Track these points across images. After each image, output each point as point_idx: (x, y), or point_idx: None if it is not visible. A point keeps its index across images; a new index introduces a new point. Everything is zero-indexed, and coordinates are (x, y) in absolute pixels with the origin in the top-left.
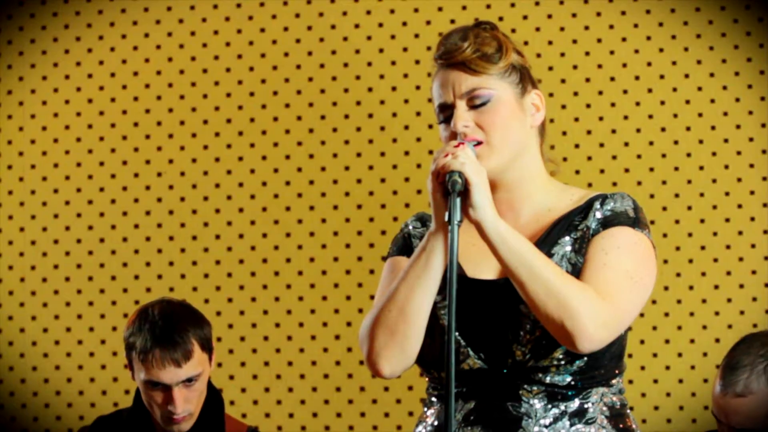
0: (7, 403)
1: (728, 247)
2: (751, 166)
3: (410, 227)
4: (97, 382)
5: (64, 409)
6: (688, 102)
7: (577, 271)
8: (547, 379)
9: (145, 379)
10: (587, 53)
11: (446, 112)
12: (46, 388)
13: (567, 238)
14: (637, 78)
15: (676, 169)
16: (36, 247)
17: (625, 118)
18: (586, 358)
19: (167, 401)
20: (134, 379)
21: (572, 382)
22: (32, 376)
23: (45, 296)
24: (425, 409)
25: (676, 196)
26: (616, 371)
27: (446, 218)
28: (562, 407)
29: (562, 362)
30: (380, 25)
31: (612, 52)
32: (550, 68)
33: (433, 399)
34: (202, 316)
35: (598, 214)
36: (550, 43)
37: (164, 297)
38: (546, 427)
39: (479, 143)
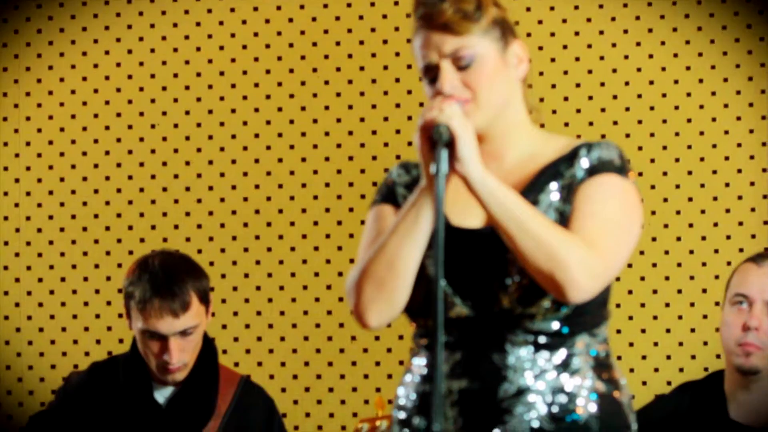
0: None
1: (715, 198)
2: (738, 119)
3: (394, 175)
4: None
5: None
6: (676, 56)
7: (564, 220)
8: (534, 326)
9: (143, 328)
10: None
11: (431, 72)
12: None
13: (553, 186)
14: (625, 32)
15: (665, 121)
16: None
17: (614, 71)
18: (572, 305)
19: (163, 351)
20: (131, 328)
21: (559, 329)
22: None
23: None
24: (412, 357)
25: (664, 148)
26: (602, 318)
27: (433, 171)
28: (548, 358)
29: (549, 309)
30: None
31: (601, 6)
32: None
33: (420, 348)
34: (200, 268)
35: (585, 162)
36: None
37: (164, 249)
38: (533, 378)
39: (466, 101)
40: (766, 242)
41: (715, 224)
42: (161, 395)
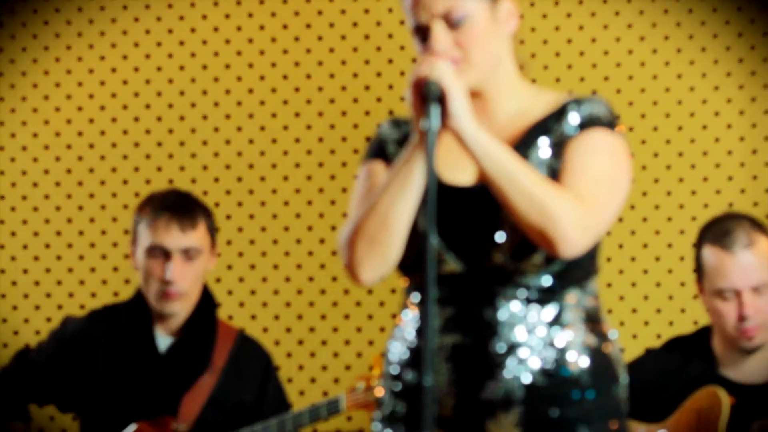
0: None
1: (705, 153)
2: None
3: (385, 132)
4: None
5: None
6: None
7: (555, 176)
8: (525, 281)
9: (149, 245)
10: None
11: (422, 32)
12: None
13: (543, 143)
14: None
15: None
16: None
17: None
18: (563, 260)
19: (166, 270)
20: (136, 264)
21: (550, 284)
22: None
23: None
24: (404, 313)
25: (655, 103)
26: (592, 272)
27: (425, 127)
28: (539, 313)
29: (541, 264)
30: None
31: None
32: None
33: (412, 303)
34: (209, 207)
35: (574, 118)
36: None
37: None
38: (524, 333)
39: (458, 61)
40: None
41: (705, 179)
42: (161, 344)
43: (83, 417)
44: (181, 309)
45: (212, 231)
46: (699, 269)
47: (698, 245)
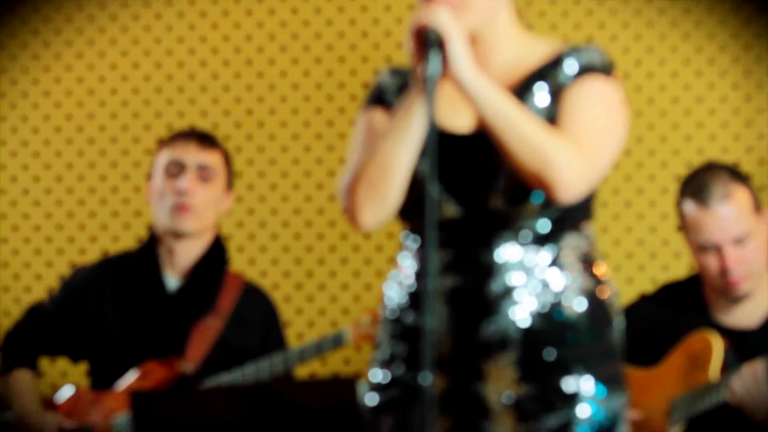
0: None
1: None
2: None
3: (384, 80)
4: None
5: None
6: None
7: (552, 123)
8: (522, 225)
9: (166, 163)
10: None
11: None
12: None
13: (540, 90)
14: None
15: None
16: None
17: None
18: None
19: (178, 184)
20: (152, 196)
21: (546, 228)
22: None
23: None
24: (402, 257)
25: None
26: (587, 216)
27: (424, 73)
28: (536, 256)
29: (538, 208)
30: None
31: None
32: None
33: (411, 248)
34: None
35: (571, 66)
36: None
37: None
38: (521, 276)
39: (457, 7)
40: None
41: (700, 125)
42: (169, 285)
43: (93, 363)
44: (192, 229)
45: (228, 165)
46: (682, 223)
47: (679, 199)
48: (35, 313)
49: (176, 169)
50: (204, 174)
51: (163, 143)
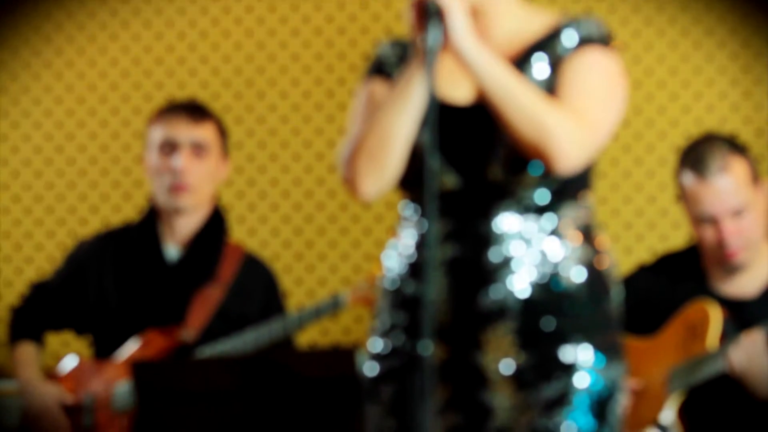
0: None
1: None
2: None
3: (385, 51)
4: None
5: None
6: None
7: (551, 93)
8: (521, 195)
9: (160, 141)
10: None
11: None
12: None
13: (540, 61)
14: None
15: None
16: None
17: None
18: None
19: (174, 163)
20: (149, 171)
21: (545, 198)
22: None
23: None
24: (401, 227)
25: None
26: (586, 187)
27: (424, 44)
28: (535, 227)
29: (537, 179)
30: None
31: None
32: None
33: (410, 218)
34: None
35: (570, 37)
36: None
37: None
38: (520, 247)
39: None
40: None
41: (698, 96)
42: (169, 255)
43: (96, 335)
44: (190, 205)
45: (222, 135)
46: (680, 194)
47: (678, 170)
48: (40, 288)
49: (170, 148)
50: (198, 150)
51: (154, 117)
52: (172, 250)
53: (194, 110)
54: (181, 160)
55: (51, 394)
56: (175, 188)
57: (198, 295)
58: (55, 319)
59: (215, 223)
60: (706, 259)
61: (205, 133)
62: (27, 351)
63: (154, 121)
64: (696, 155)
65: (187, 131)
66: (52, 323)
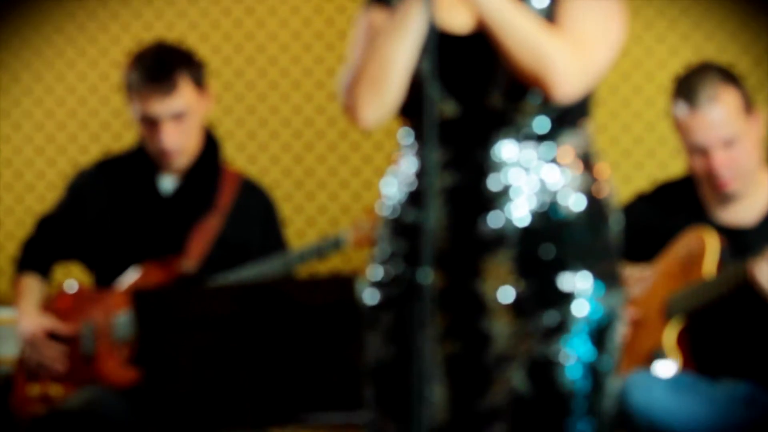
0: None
1: None
2: None
3: None
4: None
5: None
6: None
7: (551, 21)
8: (521, 123)
9: (140, 115)
10: None
11: None
12: None
13: None
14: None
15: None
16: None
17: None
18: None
19: (159, 136)
20: (135, 118)
21: (545, 126)
22: None
23: None
24: (401, 155)
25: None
26: (586, 114)
27: None
28: (535, 154)
29: (537, 106)
30: None
31: None
32: None
33: (407, 145)
34: (193, 55)
35: None
36: None
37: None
38: (519, 174)
39: None
40: None
41: (697, 25)
42: (165, 186)
43: (96, 266)
44: (184, 161)
45: (197, 80)
46: (675, 124)
47: (672, 100)
48: (44, 221)
49: (150, 122)
50: (178, 118)
51: (128, 71)
52: (169, 180)
53: (162, 81)
54: (164, 136)
55: (38, 324)
56: (165, 155)
57: (197, 225)
58: (60, 250)
59: (209, 151)
60: (703, 188)
61: (179, 101)
62: (28, 282)
63: (130, 95)
64: (688, 85)
65: (162, 107)
66: (57, 254)
